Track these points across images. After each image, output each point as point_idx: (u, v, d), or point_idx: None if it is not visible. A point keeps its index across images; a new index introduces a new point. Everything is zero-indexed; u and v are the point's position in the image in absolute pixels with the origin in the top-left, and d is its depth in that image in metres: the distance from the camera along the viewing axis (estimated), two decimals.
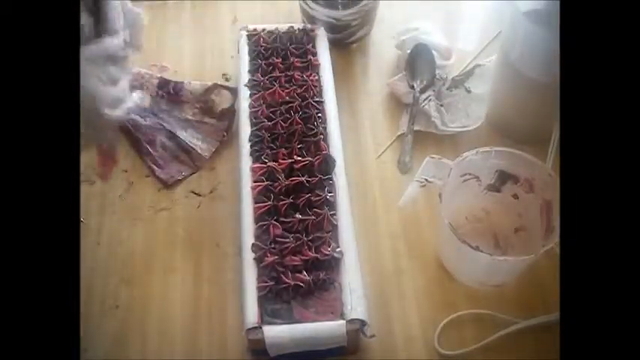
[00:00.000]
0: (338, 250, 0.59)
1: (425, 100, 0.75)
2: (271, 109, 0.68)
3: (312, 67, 0.73)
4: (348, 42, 0.82)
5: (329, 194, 0.62)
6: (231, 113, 0.74)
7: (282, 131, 0.66)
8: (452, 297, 0.63)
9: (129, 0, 0.63)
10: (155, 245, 0.66)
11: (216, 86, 0.76)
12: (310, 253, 0.58)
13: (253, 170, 0.63)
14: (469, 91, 0.77)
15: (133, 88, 0.67)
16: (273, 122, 0.67)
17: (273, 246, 0.58)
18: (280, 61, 0.73)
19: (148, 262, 0.65)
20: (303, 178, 0.62)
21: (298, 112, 0.67)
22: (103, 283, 0.63)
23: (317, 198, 0.61)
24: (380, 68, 0.82)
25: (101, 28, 0.58)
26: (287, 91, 0.69)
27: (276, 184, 0.62)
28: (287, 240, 0.59)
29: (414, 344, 0.60)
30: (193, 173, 0.72)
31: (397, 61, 0.81)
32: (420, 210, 0.68)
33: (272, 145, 0.65)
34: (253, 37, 0.75)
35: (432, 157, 0.61)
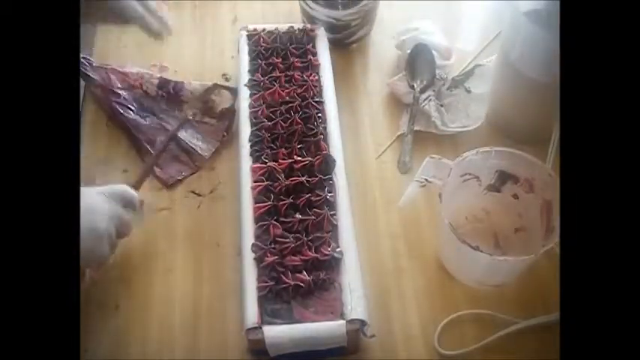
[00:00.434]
0: (338, 250, 0.59)
1: (425, 100, 0.75)
2: (271, 109, 0.68)
3: (312, 67, 0.73)
4: (348, 42, 0.82)
5: (329, 194, 0.62)
6: (231, 113, 0.74)
7: (282, 131, 0.66)
8: (452, 297, 0.63)
9: None
10: (155, 245, 0.66)
11: (216, 86, 0.76)
12: (310, 253, 0.58)
13: (253, 170, 0.63)
14: (469, 91, 0.77)
15: None
16: (273, 122, 0.67)
17: (273, 246, 0.58)
18: (280, 61, 0.73)
19: (148, 262, 0.65)
20: (303, 178, 0.62)
21: (298, 112, 0.67)
22: (103, 283, 0.63)
23: (317, 198, 0.61)
24: (380, 68, 0.82)
25: None
26: (287, 91, 0.69)
27: (276, 184, 0.62)
28: (287, 240, 0.59)
29: (414, 344, 0.60)
30: (193, 173, 0.72)
31: (397, 61, 0.81)
32: (420, 210, 0.68)
33: (272, 145, 0.65)
34: (253, 37, 0.75)
35: (432, 157, 0.61)
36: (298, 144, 0.65)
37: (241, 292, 0.57)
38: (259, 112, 0.68)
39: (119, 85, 0.75)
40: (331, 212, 0.61)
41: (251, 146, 0.66)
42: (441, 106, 0.75)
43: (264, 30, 0.76)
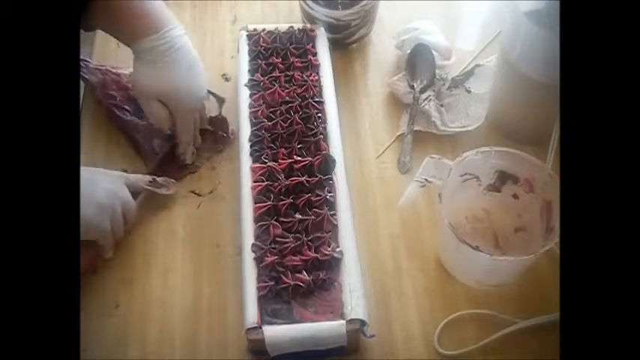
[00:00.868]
0: (338, 250, 0.59)
1: (425, 100, 0.75)
2: (271, 109, 0.68)
3: (312, 67, 0.73)
4: (348, 42, 0.82)
5: (329, 194, 0.62)
6: (220, 122, 0.73)
7: (282, 131, 0.66)
8: (452, 297, 0.63)
9: None
10: (155, 245, 0.66)
11: (207, 92, 0.75)
12: (310, 253, 0.58)
13: (253, 170, 0.63)
14: (469, 91, 0.77)
15: None
16: (273, 122, 0.67)
17: (273, 246, 0.58)
18: (280, 61, 0.73)
19: (147, 262, 0.65)
20: (303, 178, 0.62)
21: (298, 112, 0.67)
22: (103, 283, 0.63)
23: (317, 198, 0.61)
24: (380, 68, 0.82)
25: None
26: (287, 91, 0.69)
27: (276, 184, 0.62)
28: (287, 240, 0.59)
29: (414, 344, 0.60)
30: (193, 173, 0.72)
31: (397, 61, 0.81)
32: (420, 210, 0.68)
33: (272, 145, 0.65)
34: (253, 37, 0.75)
35: (432, 157, 0.61)
36: (298, 144, 0.65)
37: (241, 292, 0.57)
38: (259, 112, 0.68)
39: (115, 87, 0.75)
40: (331, 212, 0.61)
41: (251, 146, 0.66)
42: (441, 106, 0.75)
43: (264, 30, 0.76)
